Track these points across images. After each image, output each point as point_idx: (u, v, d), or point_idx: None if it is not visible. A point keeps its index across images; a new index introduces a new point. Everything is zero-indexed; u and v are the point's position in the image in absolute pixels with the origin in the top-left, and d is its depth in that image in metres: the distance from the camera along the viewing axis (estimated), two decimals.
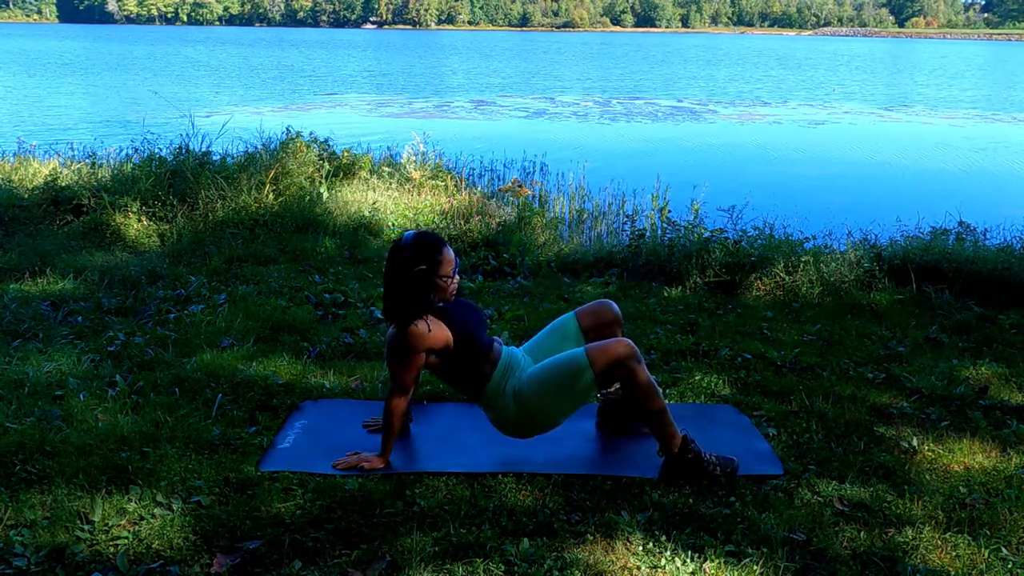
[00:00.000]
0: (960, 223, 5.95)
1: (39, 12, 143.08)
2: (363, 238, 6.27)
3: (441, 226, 6.46)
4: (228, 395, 3.46)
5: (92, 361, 3.77)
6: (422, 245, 2.89)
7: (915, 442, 3.17)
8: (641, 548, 2.49)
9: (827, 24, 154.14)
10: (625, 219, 7.53)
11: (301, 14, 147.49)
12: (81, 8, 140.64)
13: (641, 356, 2.88)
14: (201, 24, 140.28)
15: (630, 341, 2.90)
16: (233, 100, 20.58)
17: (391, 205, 6.94)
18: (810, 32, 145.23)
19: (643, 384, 2.85)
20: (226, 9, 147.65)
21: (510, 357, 3.04)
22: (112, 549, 2.42)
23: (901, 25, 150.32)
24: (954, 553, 2.52)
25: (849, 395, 3.65)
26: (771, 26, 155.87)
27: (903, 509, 2.74)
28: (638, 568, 2.41)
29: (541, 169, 10.51)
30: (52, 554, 2.39)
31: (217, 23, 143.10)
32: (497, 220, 6.67)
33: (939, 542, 2.57)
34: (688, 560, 2.44)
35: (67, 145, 8.95)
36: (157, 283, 5.03)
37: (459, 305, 3.04)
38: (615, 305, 3.20)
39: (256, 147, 7.46)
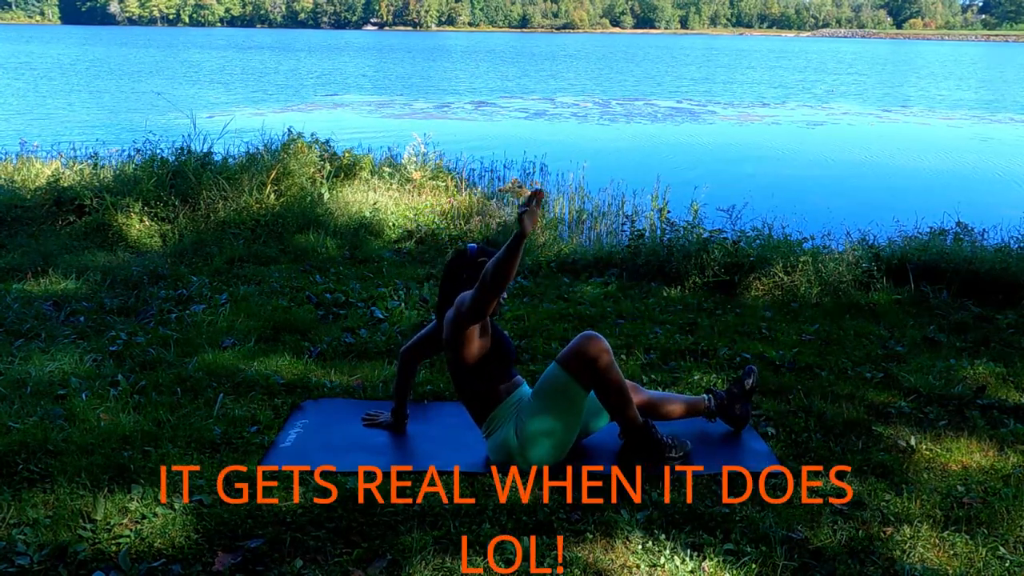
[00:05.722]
0: (958, 223, 5.96)
1: (41, 13, 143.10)
2: (364, 238, 6.29)
3: (441, 226, 6.47)
4: (229, 394, 3.47)
5: (94, 361, 3.79)
6: (484, 250, 3.07)
7: (913, 441, 3.19)
8: (640, 547, 2.50)
9: (825, 25, 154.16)
10: (624, 219, 7.52)
11: (302, 15, 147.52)
12: (83, 10, 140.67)
13: (610, 348, 2.92)
14: (203, 25, 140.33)
15: (597, 336, 2.92)
16: (234, 101, 20.59)
17: (392, 206, 6.95)
18: (808, 33, 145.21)
19: (615, 381, 2.93)
20: (227, 11, 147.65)
21: (523, 395, 3.05)
22: (114, 547, 2.44)
23: (899, 26, 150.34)
24: (952, 551, 2.54)
25: (847, 394, 3.67)
26: (770, 27, 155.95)
27: (901, 508, 2.75)
28: (637, 567, 2.42)
29: (541, 169, 10.51)
30: (55, 552, 2.40)
31: (218, 24, 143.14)
32: (497, 220, 6.68)
33: (937, 540, 2.58)
34: (687, 559, 2.45)
35: (69, 146, 8.94)
36: (159, 283, 5.05)
37: (497, 327, 3.11)
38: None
39: (257, 148, 7.47)
